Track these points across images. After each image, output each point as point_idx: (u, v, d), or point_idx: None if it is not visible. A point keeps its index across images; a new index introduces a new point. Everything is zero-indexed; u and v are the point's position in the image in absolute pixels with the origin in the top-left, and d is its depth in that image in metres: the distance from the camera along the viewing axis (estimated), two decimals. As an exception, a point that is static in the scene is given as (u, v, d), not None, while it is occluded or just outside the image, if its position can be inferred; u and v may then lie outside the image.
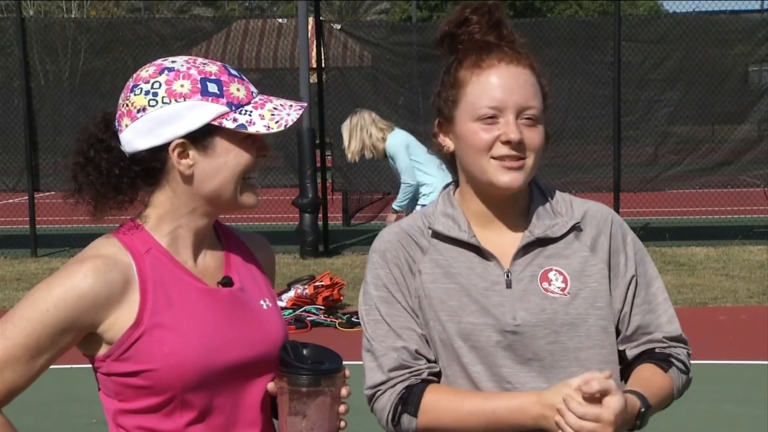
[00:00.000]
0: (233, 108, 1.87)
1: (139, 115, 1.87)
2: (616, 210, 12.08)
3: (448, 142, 2.04)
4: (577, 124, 12.74)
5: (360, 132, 8.10)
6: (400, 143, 8.01)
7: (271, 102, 1.91)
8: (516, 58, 1.97)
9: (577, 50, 12.62)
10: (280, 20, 16.40)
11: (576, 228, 2.01)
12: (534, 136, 1.95)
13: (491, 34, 1.98)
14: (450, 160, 2.08)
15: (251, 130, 1.86)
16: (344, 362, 1.91)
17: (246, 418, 1.91)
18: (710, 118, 13.04)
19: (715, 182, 12.77)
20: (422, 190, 8.01)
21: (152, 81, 1.87)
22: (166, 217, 1.92)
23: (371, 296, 2.03)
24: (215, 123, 1.86)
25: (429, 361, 2.00)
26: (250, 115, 1.87)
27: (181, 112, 1.85)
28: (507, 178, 1.94)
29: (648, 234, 12.61)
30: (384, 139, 8.07)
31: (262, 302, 2.00)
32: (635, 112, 12.64)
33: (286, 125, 1.87)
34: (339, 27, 13.94)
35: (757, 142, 12.56)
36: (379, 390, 1.99)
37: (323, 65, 12.91)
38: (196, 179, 1.89)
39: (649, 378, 1.99)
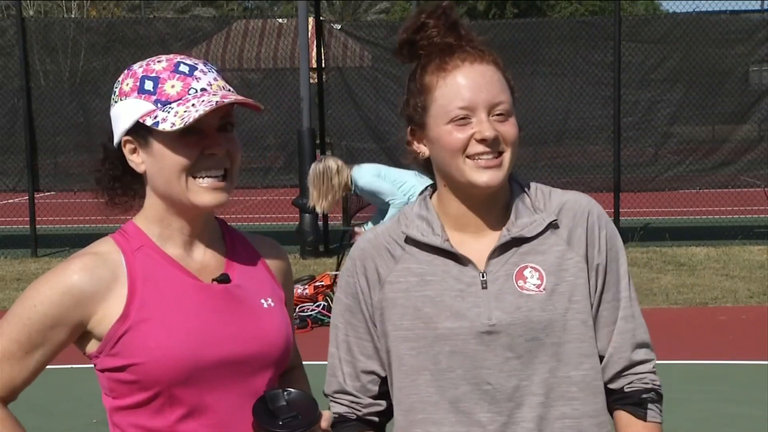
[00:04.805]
0: (159, 105, 1.86)
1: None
2: (616, 210, 12.09)
3: (422, 149, 2.02)
4: (577, 124, 12.74)
5: (328, 182, 7.88)
6: (371, 176, 7.87)
7: (202, 98, 1.85)
8: (479, 56, 1.96)
9: (577, 50, 12.61)
10: (280, 20, 16.35)
11: (552, 225, 2.00)
12: (508, 130, 1.94)
13: (450, 36, 1.98)
14: (426, 166, 2.07)
15: (160, 127, 1.83)
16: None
17: (241, 417, 1.88)
18: (711, 118, 13.02)
19: (715, 182, 12.76)
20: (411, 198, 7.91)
21: (116, 81, 1.93)
22: (152, 215, 1.94)
23: (341, 302, 2.11)
24: (141, 121, 1.87)
25: (375, 397, 2.07)
26: (168, 112, 1.84)
27: (121, 111, 1.90)
28: (485, 177, 1.93)
29: (648, 234, 12.61)
30: (349, 176, 7.90)
31: (262, 301, 1.98)
32: (636, 112, 12.63)
33: (187, 122, 1.81)
34: (339, 27, 13.94)
35: (757, 143, 12.56)
36: (326, 396, 2.13)
37: (323, 65, 12.91)
38: (149, 178, 1.92)
39: None
